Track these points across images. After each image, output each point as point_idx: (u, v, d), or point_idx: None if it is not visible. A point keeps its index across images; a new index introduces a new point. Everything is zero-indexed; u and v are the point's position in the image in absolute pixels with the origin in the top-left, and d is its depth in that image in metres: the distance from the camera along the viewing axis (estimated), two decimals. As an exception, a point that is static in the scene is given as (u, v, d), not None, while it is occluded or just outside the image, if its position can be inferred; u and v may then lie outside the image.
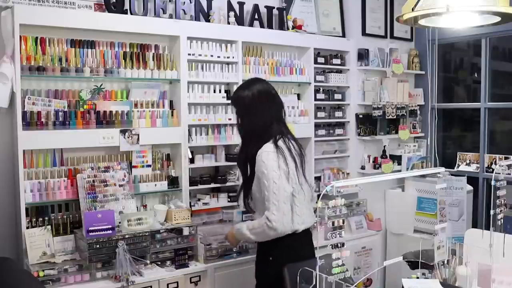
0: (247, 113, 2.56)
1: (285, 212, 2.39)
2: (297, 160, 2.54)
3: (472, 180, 4.20)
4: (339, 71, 4.13)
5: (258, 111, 2.52)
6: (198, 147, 3.41)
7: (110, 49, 3.07)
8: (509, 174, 3.56)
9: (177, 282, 2.83)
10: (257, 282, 2.62)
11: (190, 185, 3.29)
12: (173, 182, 3.24)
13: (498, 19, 2.15)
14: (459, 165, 4.47)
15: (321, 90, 3.99)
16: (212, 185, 3.45)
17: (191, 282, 2.92)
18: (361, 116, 4.23)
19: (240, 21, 3.57)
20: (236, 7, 3.57)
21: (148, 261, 2.87)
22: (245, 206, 2.71)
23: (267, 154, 2.43)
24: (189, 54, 3.28)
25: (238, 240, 2.72)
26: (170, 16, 3.30)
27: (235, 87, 3.44)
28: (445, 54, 4.91)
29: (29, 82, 2.85)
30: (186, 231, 2.99)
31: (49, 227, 2.75)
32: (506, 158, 3.97)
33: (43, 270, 2.56)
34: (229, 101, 3.46)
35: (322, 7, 4.14)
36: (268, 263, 2.51)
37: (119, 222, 2.81)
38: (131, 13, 3.12)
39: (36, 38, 2.83)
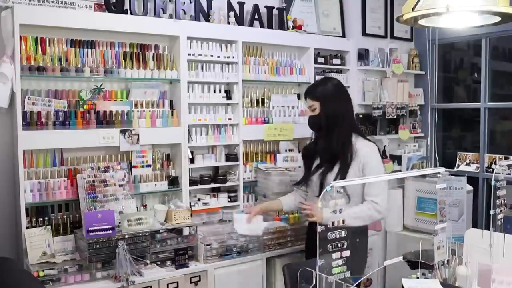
0: (334, 101, 2.81)
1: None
2: None
3: (472, 180, 4.20)
4: (339, 71, 4.13)
5: (346, 100, 2.85)
6: (198, 147, 3.41)
7: (110, 49, 3.07)
8: (509, 174, 3.56)
9: (177, 282, 2.83)
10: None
11: (190, 185, 3.29)
12: (173, 182, 3.24)
13: (498, 19, 2.15)
14: (459, 165, 4.46)
15: (321, 90, 3.99)
16: (212, 185, 3.45)
17: (191, 282, 2.92)
18: (361, 116, 4.22)
19: (240, 21, 3.57)
20: (236, 7, 3.57)
21: (148, 261, 2.87)
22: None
23: (373, 147, 2.80)
24: (189, 54, 3.28)
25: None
26: (170, 16, 3.30)
27: (235, 87, 3.47)
28: (445, 54, 4.91)
29: (29, 82, 2.85)
30: (186, 231, 2.99)
31: (49, 227, 2.76)
32: (506, 158, 3.97)
33: (43, 270, 2.57)
34: (229, 101, 3.47)
35: (322, 7, 4.14)
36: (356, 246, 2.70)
37: (119, 222, 2.81)
38: (131, 13, 3.12)
39: (36, 38, 2.84)
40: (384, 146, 4.34)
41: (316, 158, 2.90)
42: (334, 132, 2.77)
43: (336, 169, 2.75)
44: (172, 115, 3.23)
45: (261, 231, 3.08)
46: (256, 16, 3.64)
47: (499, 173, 2.15)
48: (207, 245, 3.02)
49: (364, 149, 2.76)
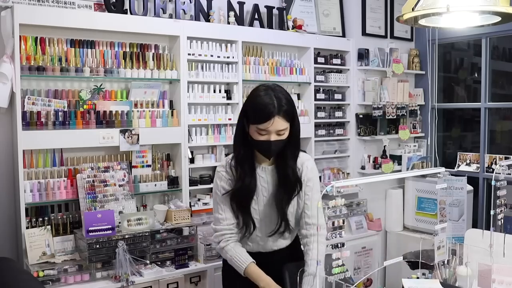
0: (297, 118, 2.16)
1: None
2: None
3: (472, 180, 4.19)
4: (339, 71, 4.12)
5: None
6: (198, 147, 3.41)
7: (110, 49, 3.07)
8: (509, 174, 3.55)
9: (177, 282, 2.83)
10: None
11: (190, 185, 3.29)
12: (173, 182, 3.24)
13: (498, 19, 2.15)
14: (459, 165, 4.46)
15: (321, 90, 3.99)
16: (212, 185, 3.44)
17: (191, 282, 2.92)
18: (361, 116, 4.23)
19: (240, 21, 3.57)
20: (236, 7, 3.56)
21: (148, 261, 2.86)
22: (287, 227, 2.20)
23: (312, 160, 2.24)
24: (189, 54, 3.28)
25: None
26: (170, 16, 3.30)
27: (235, 87, 3.47)
28: (445, 54, 4.91)
29: (29, 82, 2.85)
30: (186, 231, 2.99)
31: (48, 227, 2.75)
32: (506, 158, 3.96)
33: (43, 270, 2.56)
34: (229, 101, 3.47)
35: (322, 7, 4.14)
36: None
37: (119, 222, 2.81)
38: (131, 13, 3.12)
39: (36, 38, 2.83)
40: (384, 146, 4.33)
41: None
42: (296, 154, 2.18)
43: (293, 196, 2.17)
44: (172, 115, 3.23)
45: None
46: (256, 16, 3.64)
47: (499, 173, 2.15)
48: (207, 245, 3.02)
49: (307, 162, 2.21)
